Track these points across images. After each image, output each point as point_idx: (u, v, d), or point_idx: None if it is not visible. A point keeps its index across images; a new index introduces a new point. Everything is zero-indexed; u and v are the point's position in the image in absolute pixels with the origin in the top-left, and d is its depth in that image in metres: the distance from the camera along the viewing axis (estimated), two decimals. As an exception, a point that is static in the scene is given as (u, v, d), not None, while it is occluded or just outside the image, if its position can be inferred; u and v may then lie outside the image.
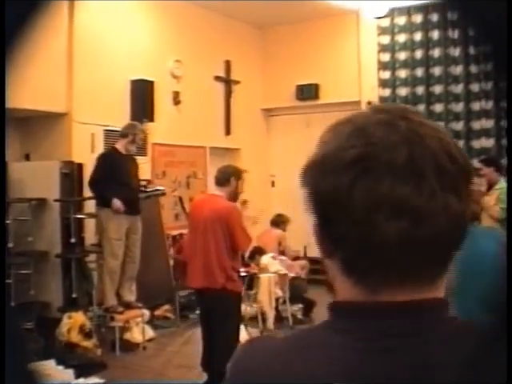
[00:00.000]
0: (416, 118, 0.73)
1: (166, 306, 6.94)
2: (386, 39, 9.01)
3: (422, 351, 0.69)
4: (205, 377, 4.48)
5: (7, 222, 5.53)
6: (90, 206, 6.43)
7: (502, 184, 5.82)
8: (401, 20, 8.92)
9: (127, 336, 5.92)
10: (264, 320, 6.53)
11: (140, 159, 6.70)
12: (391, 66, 9.00)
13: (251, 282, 6.60)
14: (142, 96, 7.49)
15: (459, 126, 8.54)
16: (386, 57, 9.03)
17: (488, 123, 8.39)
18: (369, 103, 8.47)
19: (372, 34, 9.04)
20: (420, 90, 8.84)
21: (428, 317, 0.71)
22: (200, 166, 8.71)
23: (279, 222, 7.66)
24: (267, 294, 6.53)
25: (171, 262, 7.18)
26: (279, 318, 6.71)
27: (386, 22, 8.98)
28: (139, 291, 6.38)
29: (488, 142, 8.38)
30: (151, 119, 7.55)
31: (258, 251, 6.97)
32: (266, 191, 9.80)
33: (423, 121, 0.73)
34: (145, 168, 7.19)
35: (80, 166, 6.59)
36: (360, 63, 9.15)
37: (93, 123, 6.92)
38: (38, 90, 6.07)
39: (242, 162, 8.38)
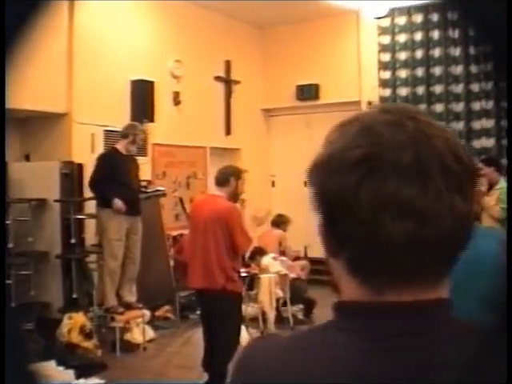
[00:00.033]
0: (424, 119, 0.73)
1: (167, 307, 6.93)
2: (386, 39, 9.01)
3: (428, 351, 0.69)
4: (205, 377, 4.47)
5: (7, 222, 5.53)
6: (90, 206, 6.42)
7: (503, 184, 5.82)
8: (401, 20, 8.92)
9: (127, 336, 5.92)
10: (265, 320, 6.52)
11: (140, 160, 6.69)
12: (391, 65, 9.00)
13: (252, 282, 6.60)
14: (142, 96, 7.49)
15: (460, 125, 8.53)
16: (386, 57, 9.03)
17: (488, 123, 8.39)
18: (369, 103, 8.47)
19: (372, 34, 9.03)
20: (420, 89, 8.84)
21: (433, 317, 0.72)
22: (200, 166, 8.70)
23: (280, 222, 7.67)
24: (268, 295, 6.53)
25: (171, 263, 7.18)
26: (280, 319, 6.70)
27: (386, 22, 8.98)
28: (139, 292, 6.37)
29: (488, 142, 8.38)
30: (151, 119, 7.54)
31: (259, 252, 6.96)
32: (266, 191, 9.79)
33: (431, 121, 0.73)
34: (145, 168, 7.18)
35: (80, 167, 6.59)
36: (360, 63, 9.15)
37: (93, 123, 6.92)
38: (37, 90, 6.06)
39: (242, 162, 8.37)
